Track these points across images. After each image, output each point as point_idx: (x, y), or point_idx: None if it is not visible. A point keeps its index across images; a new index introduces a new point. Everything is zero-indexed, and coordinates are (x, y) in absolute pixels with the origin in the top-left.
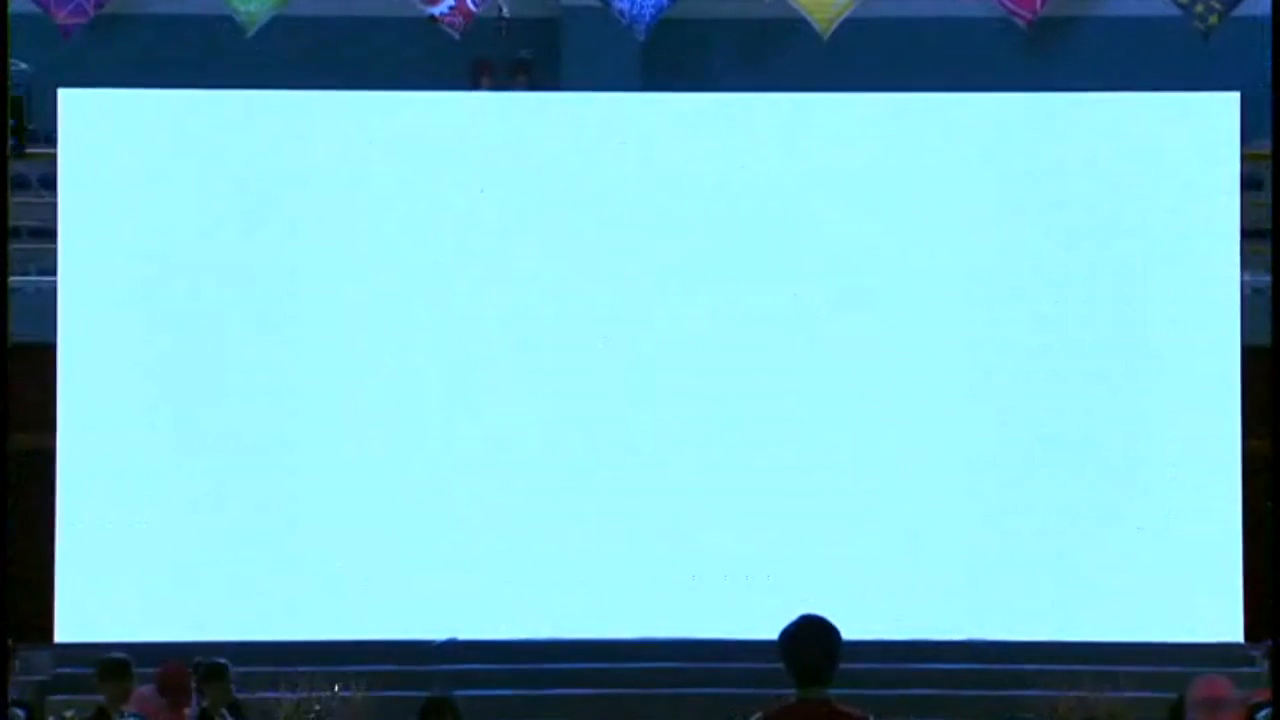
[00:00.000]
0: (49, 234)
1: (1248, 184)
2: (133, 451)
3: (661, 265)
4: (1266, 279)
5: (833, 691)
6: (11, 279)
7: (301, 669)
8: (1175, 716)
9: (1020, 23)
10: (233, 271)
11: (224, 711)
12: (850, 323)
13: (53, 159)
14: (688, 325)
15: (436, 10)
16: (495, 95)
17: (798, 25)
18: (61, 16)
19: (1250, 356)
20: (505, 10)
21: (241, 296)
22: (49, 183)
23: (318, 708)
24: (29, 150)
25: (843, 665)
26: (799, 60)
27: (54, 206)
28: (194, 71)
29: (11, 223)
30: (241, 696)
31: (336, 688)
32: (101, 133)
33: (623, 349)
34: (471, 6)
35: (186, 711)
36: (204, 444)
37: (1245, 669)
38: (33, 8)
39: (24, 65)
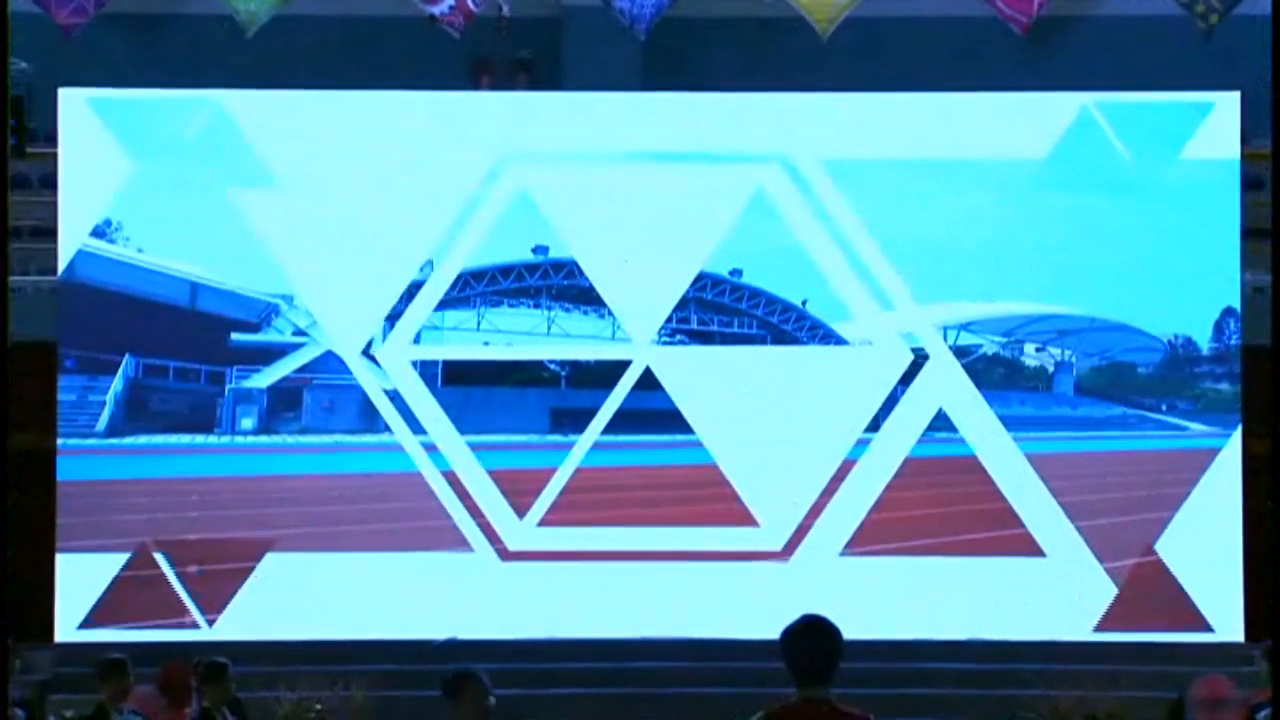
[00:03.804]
0: (49, 234)
1: (1248, 184)
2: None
3: (661, 264)
4: (1266, 279)
5: (833, 691)
6: (11, 279)
7: (301, 669)
8: (1175, 716)
9: (1016, 29)
10: (232, 270)
11: (224, 711)
12: (850, 321)
13: (53, 159)
14: (686, 324)
15: (436, 10)
16: (495, 95)
17: (798, 25)
18: (61, 16)
19: (1250, 356)
20: (505, 10)
21: (241, 295)
22: (49, 183)
23: (318, 707)
24: (29, 150)
25: (843, 665)
26: (799, 60)
27: (54, 206)
28: (194, 71)
29: (11, 223)
30: (241, 696)
31: (337, 688)
32: (101, 133)
33: (622, 347)
34: (471, 6)
35: (187, 711)
36: (203, 443)
37: (1245, 669)
38: (33, 8)
39: (24, 65)
